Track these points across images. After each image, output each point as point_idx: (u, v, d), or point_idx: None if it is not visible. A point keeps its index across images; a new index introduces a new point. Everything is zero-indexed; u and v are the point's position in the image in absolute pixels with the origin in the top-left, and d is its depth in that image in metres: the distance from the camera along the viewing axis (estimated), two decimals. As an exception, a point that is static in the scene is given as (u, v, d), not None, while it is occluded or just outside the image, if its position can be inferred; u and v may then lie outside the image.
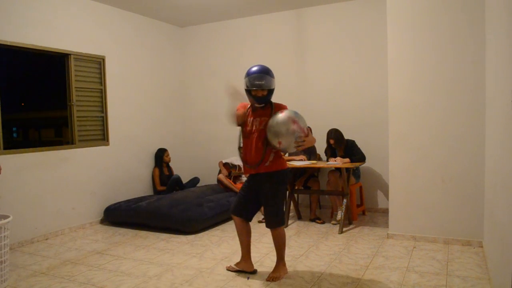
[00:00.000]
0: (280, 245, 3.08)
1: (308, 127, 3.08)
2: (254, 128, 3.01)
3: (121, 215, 4.84)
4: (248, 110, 3.10)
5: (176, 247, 3.96)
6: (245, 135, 3.07)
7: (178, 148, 6.28)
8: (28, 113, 18.05)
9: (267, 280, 3.02)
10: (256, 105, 3.01)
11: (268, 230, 3.11)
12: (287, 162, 4.75)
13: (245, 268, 3.20)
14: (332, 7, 5.37)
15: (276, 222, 3.02)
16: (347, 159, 4.50)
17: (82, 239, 4.36)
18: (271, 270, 3.12)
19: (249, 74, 2.96)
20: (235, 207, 3.18)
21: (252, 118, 3.04)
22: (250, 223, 3.22)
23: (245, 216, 3.14)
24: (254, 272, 3.20)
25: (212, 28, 6.24)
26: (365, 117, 5.23)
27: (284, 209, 3.62)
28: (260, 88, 2.91)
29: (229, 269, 3.29)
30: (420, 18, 3.81)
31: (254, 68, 2.98)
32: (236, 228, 3.22)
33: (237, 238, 4.17)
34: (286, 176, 3.11)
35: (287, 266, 3.23)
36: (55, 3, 4.54)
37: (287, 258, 3.50)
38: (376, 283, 2.93)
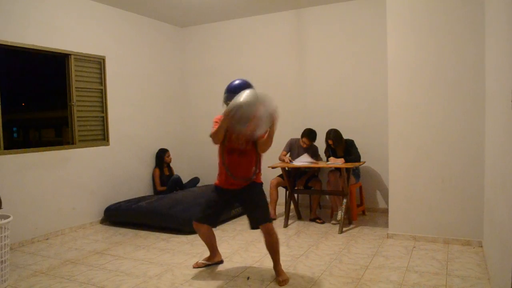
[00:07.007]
0: (275, 242, 2.99)
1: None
2: (239, 143, 2.94)
3: (121, 215, 4.85)
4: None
5: (176, 247, 3.97)
6: (230, 151, 2.96)
7: (178, 148, 6.28)
8: (28, 113, 18.06)
9: (281, 286, 2.91)
10: None
11: None
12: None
13: (216, 260, 3.39)
14: (332, 7, 5.37)
15: (268, 216, 3.05)
16: (342, 159, 4.50)
17: (83, 239, 4.37)
18: (277, 275, 3.01)
19: (229, 91, 2.82)
20: (205, 217, 3.16)
21: (235, 134, 2.88)
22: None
23: (214, 223, 3.22)
24: (221, 262, 3.43)
25: (212, 28, 6.24)
26: (365, 117, 5.23)
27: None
28: None
29: (197, 266, 3.35)
30: (420, 18, 3.81)
31: (235, 84, 2.86)
32: (202, 236, 3.27)
33: (237, 238, 4.21)
34: None
35: (287, 266, 3.23)
36: (55, 3, 4.54)
37: (287, 258, 3.50)
38: (376, 283, 2.93)
